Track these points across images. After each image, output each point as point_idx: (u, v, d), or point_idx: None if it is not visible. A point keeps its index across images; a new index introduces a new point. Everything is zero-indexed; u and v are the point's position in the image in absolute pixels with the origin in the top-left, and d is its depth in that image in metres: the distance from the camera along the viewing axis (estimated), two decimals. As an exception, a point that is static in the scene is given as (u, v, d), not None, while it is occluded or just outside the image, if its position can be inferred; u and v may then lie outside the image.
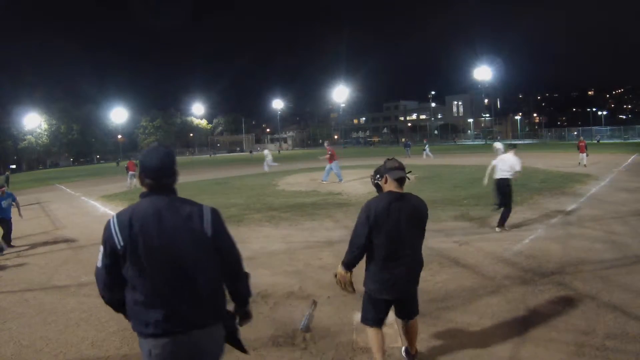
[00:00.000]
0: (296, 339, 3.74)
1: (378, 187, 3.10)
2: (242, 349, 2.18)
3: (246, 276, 2.14)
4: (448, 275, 5.15)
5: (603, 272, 5.01)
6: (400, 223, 2.83)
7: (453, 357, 3.32)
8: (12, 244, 8.14)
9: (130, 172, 18.59)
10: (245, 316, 2.23)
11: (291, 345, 3.64)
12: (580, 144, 18.17)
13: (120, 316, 2.07)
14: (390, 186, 2.95)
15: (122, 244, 1.86)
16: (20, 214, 8.87)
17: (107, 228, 1.92)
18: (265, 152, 24.54)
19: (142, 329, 1.89)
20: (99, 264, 1.94)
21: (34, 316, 4.58)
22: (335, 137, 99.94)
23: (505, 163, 7.31)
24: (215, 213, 2.02)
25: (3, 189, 8.23)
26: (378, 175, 3.07)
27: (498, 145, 19.92)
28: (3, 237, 8.06)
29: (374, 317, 3.02)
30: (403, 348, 3.36)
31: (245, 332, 3.88)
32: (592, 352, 3.28)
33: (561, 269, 5.16)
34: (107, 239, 1.90)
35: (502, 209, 7.22)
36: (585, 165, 17.25)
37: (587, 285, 4.62)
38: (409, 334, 3.22)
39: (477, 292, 4.58)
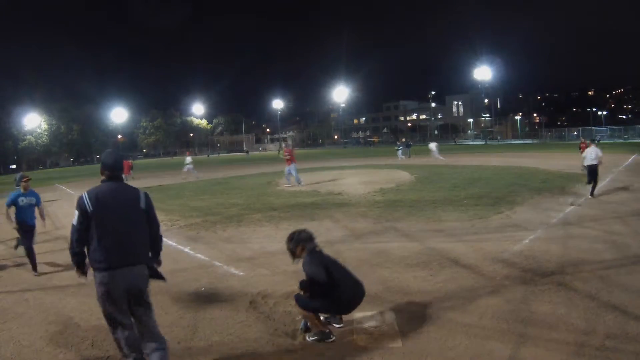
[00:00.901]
0: (296, 339, 3.74)
1: (293, 254, 3.87)
2: (162, 277, 3.24)
3: (161, 237, 3.34)
4: (448, 275, 5.15)
5: (603, 272, 5.01)
6: (339, 264, 3.89)
7: (453, 357, 3.32)
8: (37, 270, 6.21)
9: (124, 176, 17.95)
10: (158, 263, 3.35)
11: (291, 345, 3.65)
12: (582, 145, 17.78)
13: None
14: (303, 251, 3.81)
15: (91, 209, 2.94)
16: (43, 223, 6.78)
17: (81, 199, 2.99)
18: (187, 159, 22.89)
19: (97, 265, 2.91)
20: (75, 222, 2.97)
21: (34, 316, 4.58)
22: (336, 137, 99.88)
23: (592, 153, 10.37)
24: (147, 195, 3.21)
25: (27, 180, 6.49)
26: (290, 244, 3.86)
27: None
28: (24, 249, 6.34)
29: (322, 313, 3.80)
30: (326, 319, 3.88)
31: (245, 332, 3.90)
32: (592, 352, 3.28)
33: (561, 269, 5.16)
34: (81, 206, 2.96)
35: (591, 184, 10.22)
36: (585, 166, 17.10)
37: (587, 285, 4.62)
38: None
39: (477, 292, 4.58)
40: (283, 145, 20.69)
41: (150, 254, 3.21)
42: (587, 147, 17.55)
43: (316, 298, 3.68)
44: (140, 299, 3.01)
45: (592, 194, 10.22)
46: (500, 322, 3.86)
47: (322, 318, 3.97)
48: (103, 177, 3.14)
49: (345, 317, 4.03)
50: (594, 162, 10.32)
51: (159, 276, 3.23)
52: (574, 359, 3.21)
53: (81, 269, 3.07)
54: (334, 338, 3.68)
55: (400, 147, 30.58)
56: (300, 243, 3.86)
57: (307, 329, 3.79)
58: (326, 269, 3.69)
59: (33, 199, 6.43)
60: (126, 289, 2.93)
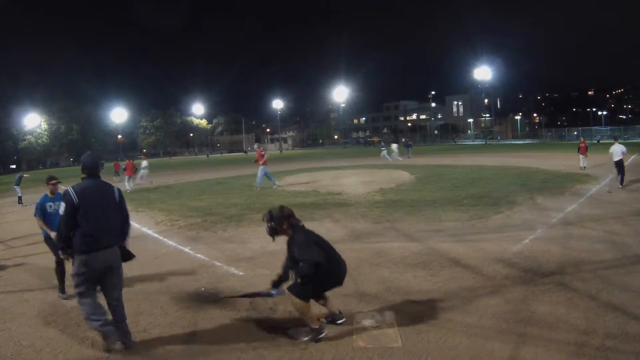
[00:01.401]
0: (296, 338, 3.74)
1: (274, 231, 3.80)
2: (131, 256, 3.88)
3: (130, 224, 3.98)
4: (448, 275, 5.15)
5: (603, 272, 5.01)
6: (321, 237, 3.91)
7: (453, 357, 3.32)
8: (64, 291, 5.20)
9: (127, 176, 17.27)
10: (126, 244, 3.92)
11: (291, 345, 3.65)
12: (581, 145, 17.40)
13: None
14: (290, 227, 3.77)
15: (77, 201, 3.51)
16: None
17: (67, 193, 3.55)
18: (143, 163, 20.86)
19: (81, 248, 3.49)
20: (62, 212, 3.54)
21: (34, 316, 4.58)
22: (336, 137, 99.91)
23: (617, 150, 12.28)
24: (120, 190, 3.89)
25: (55, 183, 5.56)
26: (273, 223, 3.76)
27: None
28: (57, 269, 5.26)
29: (313, 295, 3.79)
30: (326, 317, 3.97)
31: (245, 332, 3.90)
32: (592, 352, 3.28)
33: (561, 269, 5.16)
34: (68, 199, 3.52)
35: (619, 175, 11.94)
36: (583, 168, 16.62)
37: (587, 285, 4.62)
38: (330, 303, 3.99)
39: (477, 292, 4.58)
40: (255, 147, 18.97)
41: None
42: (586, 146, 17.58)
43: (310, 279, 3.58)
44: (115, 274, 3.68)
45: (621, 183, 11.77)
46: (500, 322, 3.86)
47: (322, 320, 3.97)
48: (83, 175, 3.74)
49: (345, 317, 4.03)
50: (620, 158, 12.18)
51: (130, 256, 3.88)
52: (574, 359, 3.22)
53: (66, 251, 3.63)
54: (325, 332, 3.69)
55: (385, 148, 30.24)
56: (284, 219, 3.77)
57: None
58: (318, 245, 3.69)
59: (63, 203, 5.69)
60: (103, 267, 3.57)
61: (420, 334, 3.70)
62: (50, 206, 5.44)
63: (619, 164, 12.12)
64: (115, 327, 3.63)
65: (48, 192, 5.51)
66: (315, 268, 3.55)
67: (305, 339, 3.67)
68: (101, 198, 3.65)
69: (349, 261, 5.88)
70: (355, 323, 3.95)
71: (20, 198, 15.72)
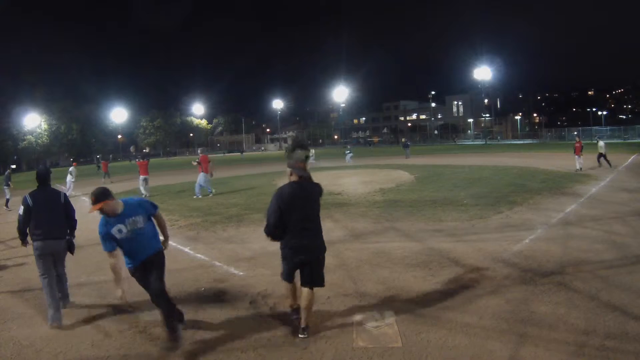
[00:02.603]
0: (296, 338, 3.74)
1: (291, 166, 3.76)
2: (72, 249, 4.80)
3: (76, 221, 4.89)
4: (448, 275, 5.15)
5: (603, 272, 5.01)
6: (305, 204, 3.71)
7: (453, 357, 3.32)
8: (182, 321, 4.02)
9: (142, 177, 14.86)
10: (73, 236, 4.87)
11: (291, 345, 3.65)
12: (577, 145, 16.53)
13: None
14: (294, 177, 3.74)
15: (31, 204, 4.50)
16: (165, 239, 4.14)
17: (25, 198, 4.56)
18: (71, 169, 18.41)
19: (35, 237, 4.46)
20: (21, 213, 4.53)
21: (34, 316, 4.58)
22: (336, 137, 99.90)
23: (602, 145, 17.16)
24: (65, 195, 4.90)
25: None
26: (289, 161, 3.79)
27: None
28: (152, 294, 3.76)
29: (288, 274, 3.85)
30: (293, 314, 4.01)
31: (245, 332, 3.90)
32: (592, 352, 3.28)
33: (561, 269, 5.16)
34: (26, 203, 4.51)
35: (607, 162, 16.89)
36: (579, 169, 15.92)
37: (587, 285, 4.62)
38: (307, 303, 3.73)
39: (477, 292, 4.58)
40: (199, 151, 16.90)
41: (68, 231, 4.76)
42: (581, 146, 17.22)
43: (272, 236, 3.79)
44: (61, 262, 4.67)
45: (609, 165, 16.73)
46: (500, 322, 3.86)
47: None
48: (37, 184, 4.72)
49: (345, 317, 4.03)
50: (603, 151, 17.02)
51: (72, 251, 4.77)
52: (574, 359, 3.22)
53: (24, 241, 4.66)
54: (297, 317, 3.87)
55: (349, 152, 29.70)
56: (291, 165, 3.79)
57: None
58: (282, 212, 3.66)
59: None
60: (51, 253, 4.49)
61: (420, 334, 3.71)
62: (120, 230, 3.67)
63: (602, 155, 17.07)
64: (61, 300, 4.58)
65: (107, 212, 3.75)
66: (273, 231, 3.70)
67: (302, 335, 3.74)
68: (49, 201, 4.65)
69: (349, 261, 5.91)
70: (355, 323, 3.95)
71: (7, 201, 14.88)
